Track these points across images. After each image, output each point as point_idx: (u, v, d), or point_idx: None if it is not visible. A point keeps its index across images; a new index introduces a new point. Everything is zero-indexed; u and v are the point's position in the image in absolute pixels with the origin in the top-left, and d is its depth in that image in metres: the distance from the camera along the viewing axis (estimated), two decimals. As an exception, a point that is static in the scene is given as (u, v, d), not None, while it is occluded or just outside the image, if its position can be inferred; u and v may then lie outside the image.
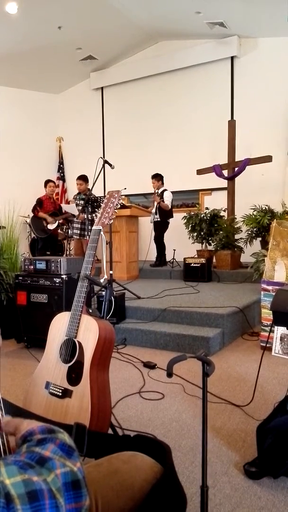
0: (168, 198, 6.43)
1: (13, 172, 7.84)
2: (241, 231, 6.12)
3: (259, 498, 1.57)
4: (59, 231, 7.45)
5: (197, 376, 2.84)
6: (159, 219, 6.47)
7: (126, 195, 7.93)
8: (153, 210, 6.50)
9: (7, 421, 0.72)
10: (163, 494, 0.84)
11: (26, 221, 7.41)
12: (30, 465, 0.57)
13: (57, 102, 9.12)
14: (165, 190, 6.52)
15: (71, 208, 6.19)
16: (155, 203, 6.44)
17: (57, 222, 6.91)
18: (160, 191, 6.52)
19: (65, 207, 6.56)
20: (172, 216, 6.56)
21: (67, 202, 8.54)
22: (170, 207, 6.47)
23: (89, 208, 5.19)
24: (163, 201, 6.37)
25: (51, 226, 6.85)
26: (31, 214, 6.92)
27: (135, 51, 8.11)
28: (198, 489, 1.26)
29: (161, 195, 6.44)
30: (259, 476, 1.69)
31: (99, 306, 3.97)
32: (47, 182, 7.02)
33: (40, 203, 6.83)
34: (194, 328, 3.63)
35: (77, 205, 6.02)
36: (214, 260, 6.19)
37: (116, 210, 2.01)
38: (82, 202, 5.78)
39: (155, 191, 6.56)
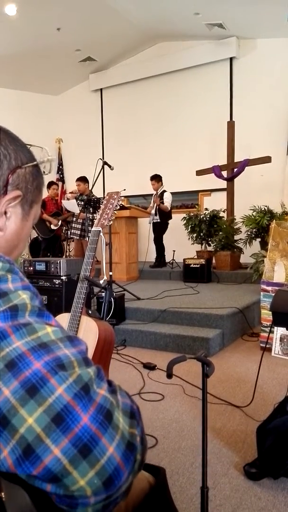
0: (168, 200, 6.43)
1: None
2: (241, 231, 6.12)
3: (259, 499, 1.57)
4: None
5: (197, 377, 2.83)
6: (158, 220, 6.47)
7: (125, 196, 7.92)
8: (152, 211, 6.50)
9: None
10: (155, 505, 0.84)
11: None
12: None
13: (57, 104, 9.12)
14: (164, 191, 6.51)
15: (71, 204, 6.17)
16: (155, 204, 6.44)
17: (60, 222, 7.00)
18: (160, 192, 6.51)
19: (65, 203, 6.55)
20: (171, 217, 6.56)
21: (62, 196, 8.48)
22: (169, 208, 6.47)
23: (90, 209, 5.19)
24: (162, 202, 6.37)
25: (54, 226, 6.97)
26: None
27: (134, 53, 8.12)
28: (198, 490, 1.26)
29: (160, 196, 6.43)
30: (259, 477, 1.69)
31: (99, 307, 3.96)
32: (50, 184, 7.09)
33: (43, 204, 6.87)
34: (194, 329, 3.63)
35: (78, 205, 6.03)
36: (213, 261, 6.19)
37: (115, 211, 2.01)
38: (82, 203, 5.79)
39: (156, 193, 6.55)
